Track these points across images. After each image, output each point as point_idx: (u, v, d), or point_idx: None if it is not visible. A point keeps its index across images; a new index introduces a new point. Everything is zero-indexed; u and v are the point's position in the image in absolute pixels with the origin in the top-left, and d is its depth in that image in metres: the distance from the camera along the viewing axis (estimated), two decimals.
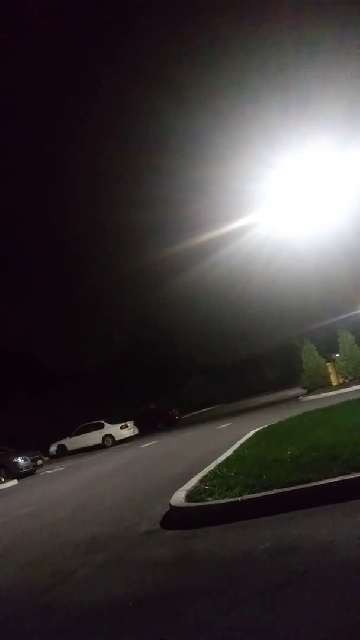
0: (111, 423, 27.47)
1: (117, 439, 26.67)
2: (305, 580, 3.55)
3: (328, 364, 26.46)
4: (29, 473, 20.16)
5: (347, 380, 25.30)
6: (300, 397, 24.95)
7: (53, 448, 28.46)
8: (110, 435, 26.92)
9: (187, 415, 39.61)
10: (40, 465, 21.37)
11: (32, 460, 20.54)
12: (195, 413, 42.41)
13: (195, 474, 7.70)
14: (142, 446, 20.49)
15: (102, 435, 27.09)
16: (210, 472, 7.46)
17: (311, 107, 21.31)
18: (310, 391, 25.58)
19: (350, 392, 20.21)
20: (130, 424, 27.71)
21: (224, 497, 5.80)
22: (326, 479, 5.37)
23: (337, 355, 26.63)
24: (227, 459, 8.53)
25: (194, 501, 6.03)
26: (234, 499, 5.62)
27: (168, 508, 6.33)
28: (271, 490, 5.54)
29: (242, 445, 9.93)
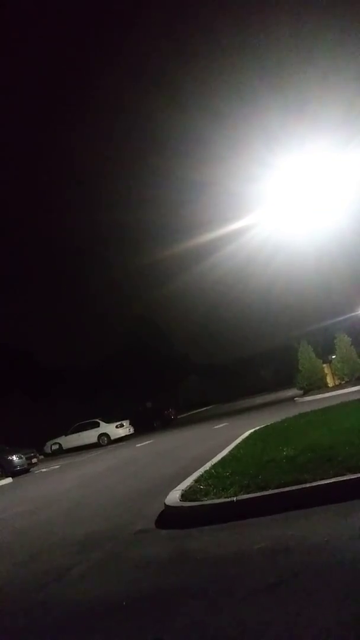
0: (107, 422, 27.41)
1: (112, 437, 26.64)
2: (300, 580, 3.56)
3: (324, 365, 26.54)
4: (24, 471, 20.11)
5: (343, 382, 25.37)
6: (296, 398, 24.97)
7: (48, 446, 28.44)
8: (105, 434, 26.88)
9: (183, 415, 39.55)
10: (35, 464, 21.31)
11: (27, 458, 20.47)
12: (191, 413, 42.35)
13: (190, 474, 7.71)
14: (137, 445, 20.47)
15: (97, 434, 27.05)
16: (205, 471, 7.47)
17: (310, 108, 21.37)
18: (306, 392, 25.62)
19: (346, 393, 20.24)
20: (125, 422, 27.68)
21: (219, 497, 5.80)
22: (322, 479, 5.38)
23: (333, 356, 26.69)
24: (223, 458, 8.54)
25: (189, 501, 6.04)
26: (229, 499, 5.63)
27: (163, 507, 6.33)
28: (266, 490, 5.55)
29: (237, 446, 9.94)
